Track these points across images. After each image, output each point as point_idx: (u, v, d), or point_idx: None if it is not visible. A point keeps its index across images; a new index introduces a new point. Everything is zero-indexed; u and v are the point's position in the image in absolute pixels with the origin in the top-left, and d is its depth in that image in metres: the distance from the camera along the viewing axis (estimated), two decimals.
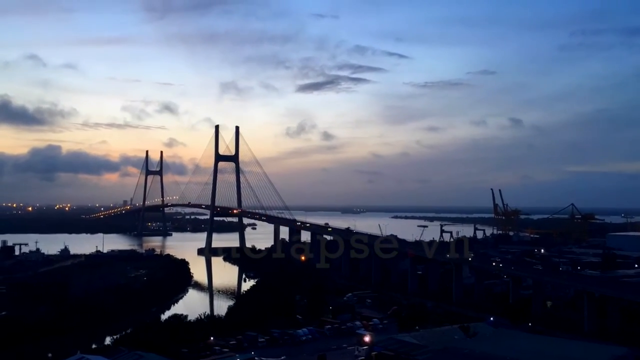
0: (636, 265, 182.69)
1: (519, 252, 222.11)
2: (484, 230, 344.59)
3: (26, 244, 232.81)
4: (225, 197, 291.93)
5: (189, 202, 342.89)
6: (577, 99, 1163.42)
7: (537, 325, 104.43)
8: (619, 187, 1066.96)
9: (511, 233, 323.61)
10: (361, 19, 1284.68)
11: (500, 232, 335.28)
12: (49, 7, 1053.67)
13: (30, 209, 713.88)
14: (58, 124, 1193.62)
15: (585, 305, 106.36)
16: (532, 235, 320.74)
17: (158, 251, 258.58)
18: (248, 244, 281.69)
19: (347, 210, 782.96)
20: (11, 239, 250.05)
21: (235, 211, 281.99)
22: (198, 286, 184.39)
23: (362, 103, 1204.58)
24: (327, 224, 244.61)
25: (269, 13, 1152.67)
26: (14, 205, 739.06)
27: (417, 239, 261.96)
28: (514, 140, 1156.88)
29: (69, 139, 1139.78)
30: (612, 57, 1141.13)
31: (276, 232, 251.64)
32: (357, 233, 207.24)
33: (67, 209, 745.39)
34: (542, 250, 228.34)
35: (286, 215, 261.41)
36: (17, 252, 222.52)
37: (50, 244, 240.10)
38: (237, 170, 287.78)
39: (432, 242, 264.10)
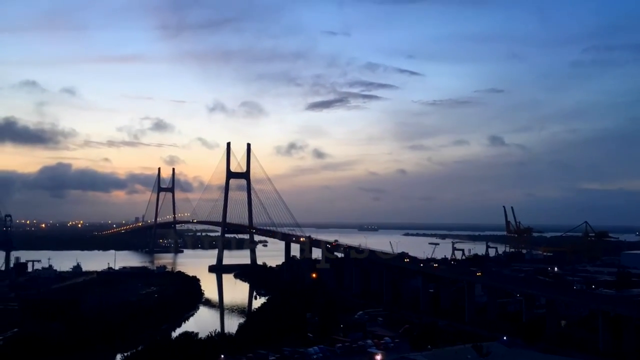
0: None
1: (532, 271, 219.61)
2: (496, 248, 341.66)
3: (39, 261, 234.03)
4: (237, 214, 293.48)
5: (193, 219, 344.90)
6: (591, 116, 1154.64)
7: (551, 345, 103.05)
8: (633, 204, 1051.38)
9: (524, 251, 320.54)
10: (372, 36, 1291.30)
11: (513, 250, 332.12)
12: (63, 25, 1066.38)
13: (43, 225, 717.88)
14: (70, 142, 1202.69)
15: (600, 324, 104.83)
16: (545, 254, 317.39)
17: (169, 268, 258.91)
18: (259, 261, 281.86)
19: (358, 227, 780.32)
20: (25, 255, 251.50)
21: (253, 230, 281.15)
22: (209, 303, 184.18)
23: (374, 120, 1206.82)
24: (336, 240, 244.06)
25: (280, 30, 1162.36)
26: (28, 222, 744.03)
27: (429, 256, 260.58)
28: (526, 157, 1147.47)
29: (82, 156, 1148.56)
30: (626, 74, 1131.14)
31: (287, 249, 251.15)
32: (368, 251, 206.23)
33: (79, 225, 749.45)
34: (556, 269, 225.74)
35: (297, 232, 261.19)
36: (30, 269, 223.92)
37: (63, 261, 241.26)
38: (249, 187, 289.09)
39: (444, 259, 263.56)
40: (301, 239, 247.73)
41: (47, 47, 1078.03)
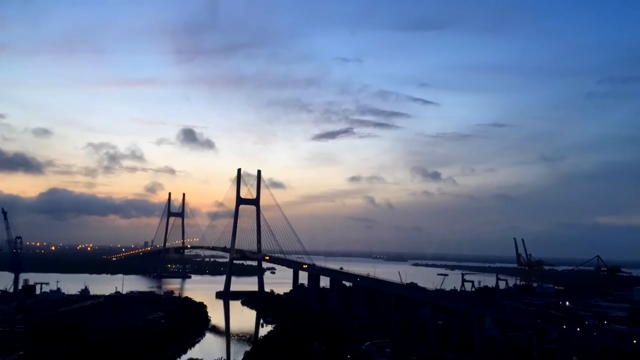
0: None
1: (543, 304, 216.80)
2: (506, 280, 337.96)
3: (47, 283, 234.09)
4: (245, 240, 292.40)
5: (202, 245, 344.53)
6: (606, 149, 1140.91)
7: None
8: None
9: (535, 284, 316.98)
10: (385, 63, 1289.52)
11: (524, 282, 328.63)
12: (80, 47, 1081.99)
13: (53, 248, 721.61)
14: (82, 164, 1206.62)
15: None
16: (556, 287, 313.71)
17: (177, 293, 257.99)
18: (267, 289, 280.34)
19: (367, 256, 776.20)
20: (33, 277, 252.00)
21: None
22: (215, 330, 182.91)
23: (385, 148, 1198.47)
24: (341, 268, 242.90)
25: (293, 56, 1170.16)
26: (37, 244, 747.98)
27: (438, 287, 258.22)
28: (539, 189, 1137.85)
29: (91, 180, 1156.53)
30: None
31: (295, 277, 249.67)
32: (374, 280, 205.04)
33: (89, 249, 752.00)
34: (567, 303, 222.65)
35: (306, 260, 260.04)
36: (37, 291, 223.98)
37: (71, 284, 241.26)
38: (258, 214, 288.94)
39: (453, 291, 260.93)
40: (306, 266, 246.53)
41: (62, 70, 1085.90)
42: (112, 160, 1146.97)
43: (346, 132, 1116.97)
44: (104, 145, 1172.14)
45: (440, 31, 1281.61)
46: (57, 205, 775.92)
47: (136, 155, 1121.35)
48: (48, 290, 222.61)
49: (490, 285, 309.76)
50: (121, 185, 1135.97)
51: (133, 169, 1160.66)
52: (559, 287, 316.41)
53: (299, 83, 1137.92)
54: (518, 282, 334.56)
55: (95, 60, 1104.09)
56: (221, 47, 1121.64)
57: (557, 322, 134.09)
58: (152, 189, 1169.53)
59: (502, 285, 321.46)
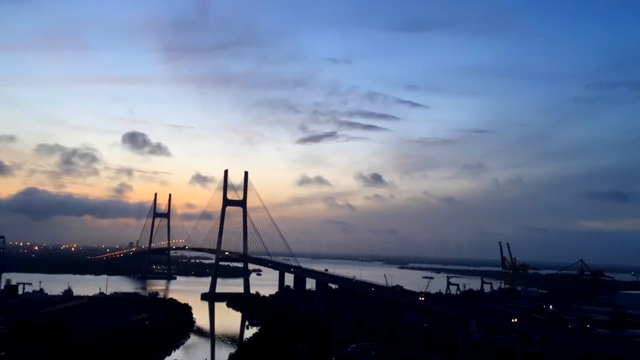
0: None
1: (527, 308, 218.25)
2: (491, 283, 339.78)
3: (30, 284, 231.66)
4: (231, 242, 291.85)
5: (187, 246, 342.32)
6: (592, 153, 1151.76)
7: None
8: (630, 244, 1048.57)
9: (519, 288, 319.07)
10: (375, 65, 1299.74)
11: (508, 286, 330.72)
12: (65, 43, 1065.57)
13: (36, 248, 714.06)
14: (67, 164, 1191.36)
15: None
16: (540, 291, 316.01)
17: (161, 295, 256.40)
18: (252, 290, 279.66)
19: (353, 259, 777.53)
20: (16, 278, 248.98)
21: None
22: (200, 332, 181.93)
23: (373, 151, 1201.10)
24: (326, 269, 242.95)
25: (282, 56, 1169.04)
26: (21, 244, 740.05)
27: (423, 290, 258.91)
28: (525, 193, 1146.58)
29: (78, 179, 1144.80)
30: (629, 112, 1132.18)
31: (281, 279, 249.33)
32: (361, 283, 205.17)
33: (73, 249, 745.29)
34: (551, 307, 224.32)
35: (292, 262, 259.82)
36: (20, 292, 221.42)
37: (54, 284, 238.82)
38: (245, 216, 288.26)
39: (438, 294, 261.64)
40: (301, 271, 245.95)
41: (45, 66, 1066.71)
42: (96, 160, 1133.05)
43: (333, 134, 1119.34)
44: (87, 145, 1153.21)
45: (431, 33, 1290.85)
46: (35, 205, 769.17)
47: (121, 155, 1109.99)
48: (31, 291, 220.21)
49: (475, 289, 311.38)
50: (104, 186, 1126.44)
51: (117, 170, 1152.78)
52: (543, 291, 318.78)
53: (287, 83, 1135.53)
54: (503, 286, 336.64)
55: (80, 57, 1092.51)
56: (209, 46, 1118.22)
57: (541, 325, 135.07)
58: (136, 189, 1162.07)
59: (487, 288, 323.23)
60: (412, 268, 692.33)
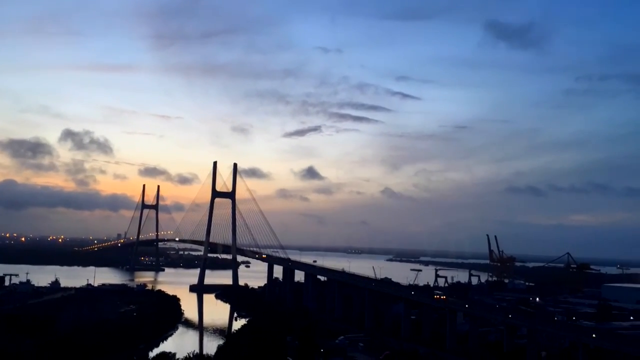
0: (632, 318, 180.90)
1: (514, 300, 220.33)
2: (478, 276, 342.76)
3: (17, 275, 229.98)
4: (220, 233, 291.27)
5: (176, 238, 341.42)
6: (582, 146, 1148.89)
7: None
8: (616, 237, 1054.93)
9: (506, 280, 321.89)
10: (366, 54, 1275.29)
11: (496, 279, 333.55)
12: (51, 29, 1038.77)
13: (23, 239, 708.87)
14: (50, 154, 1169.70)
15: (580, 356, 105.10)
16: (527, 283, 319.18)
17: (150, 286, 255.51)
18: (241, 282, 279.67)
19: (342, 251, 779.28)
20: (2, 269, 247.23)
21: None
22: (189, 323, 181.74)
23: (363, 143, 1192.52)
24: (315, 261, 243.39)
25: (271, 45, 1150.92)
26: (7, 235, 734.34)
27: (411, 282, 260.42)
28: (514, 186, 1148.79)
29: (63, 169, 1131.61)
30: (619, 105, 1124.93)
31: (270, 271, 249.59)
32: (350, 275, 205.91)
33: (60, 240, 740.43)
34: (537, 299, 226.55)
35: (281, 254, 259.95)
36: (6, 283, 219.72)
37: (41, 276, 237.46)
38: (234, 208, 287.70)
39: (426, 286, 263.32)
40: (290, 263, 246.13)
41: (30, 52, 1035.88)
42: (82, 150, 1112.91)
43: (323, 126, 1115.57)
44: (72, 134, 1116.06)
45: (423, 22, 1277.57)
46: (18, 196, 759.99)
47: (107, 146, 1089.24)
48: (17, 282, 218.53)
49: (463, 281, 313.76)
50: (92, 177, 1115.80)
51: (105, 160, 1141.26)
52: (530, 283, 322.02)
53: (277, 73, 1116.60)
54: (490, 278, 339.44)
55: (67, 43, 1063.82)
56: (198, 34, 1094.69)
57: (528, 318, 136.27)
58: (124, 180, 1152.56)
59: (474, 281, 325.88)
60: (401, 260, 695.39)
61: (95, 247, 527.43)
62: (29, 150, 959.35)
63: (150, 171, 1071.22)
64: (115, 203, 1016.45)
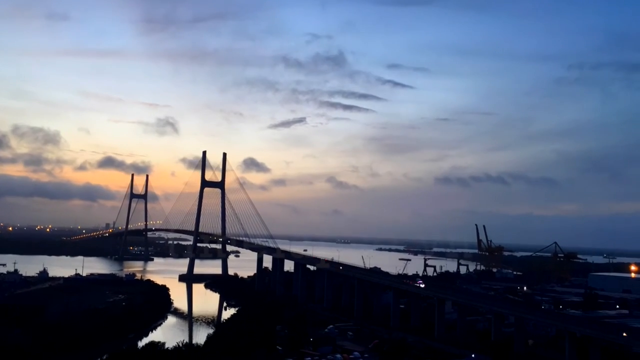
0: (617, 306, 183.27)
1: (501, 289, 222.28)
2: (467, 265, 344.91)
3: (4, 265, 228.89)
4: (210, 223, 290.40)
5: (165, 227, 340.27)
6: (572, 135, 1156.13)
7: None
8: (603, 227, 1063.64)
9: (494, 269, 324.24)
10: (358, 41, 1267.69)
11: (484, 268, 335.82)
12: (33, 12, 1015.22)
13: (10, 229, 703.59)
14: (32, 142, 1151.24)
15: (566, 344, 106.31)
16: (515, 273, 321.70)
17: (139, 276, 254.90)
18: (231, 272, 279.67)
19: (331, 240, 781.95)
20: None
21: (227, 240, 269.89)
22: (178, 313, 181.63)
23: (354, 132, 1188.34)
24: (305, 250, 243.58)
25: (260, 31, 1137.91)
26: None
27: (400, 272, 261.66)
28: (503, 176, 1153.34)
29: (50, 158, 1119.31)
30: (610, 93, 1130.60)
31: (259, 261, 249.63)
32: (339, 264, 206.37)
33: (48, 230, 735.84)
34: (525, 288, 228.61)
35: (270, 243, 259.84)
36: None
37: (29, 266, 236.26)
38: (223, 197, 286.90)
39: (415, 276, 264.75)
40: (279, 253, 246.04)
41: (11, 36, 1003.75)
42: (66, 139, 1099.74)
43: (314, 115, 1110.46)
44: (55, 122, 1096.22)
45: (416, 8, 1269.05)
46: (16, 187, 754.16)
47: (92, 134, 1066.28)
48: (5, 272, 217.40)
49: (451, 270, 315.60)
50: (77, 166, 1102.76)
51: (92, 151, 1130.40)
52: (518, 273, 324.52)
53: (266, 60, 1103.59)
54: (478, 268, 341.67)
55: (50, 27, 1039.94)
56: (187, 18, 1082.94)
57: (515, 306, 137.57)
58: (113, 171, 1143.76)
59: (463, 270, 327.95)
60: (390, 250, 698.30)
61: (83, 237, 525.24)
62: (7, 139, 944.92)
63: (139, 160, 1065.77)
64: (97, 192, 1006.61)
